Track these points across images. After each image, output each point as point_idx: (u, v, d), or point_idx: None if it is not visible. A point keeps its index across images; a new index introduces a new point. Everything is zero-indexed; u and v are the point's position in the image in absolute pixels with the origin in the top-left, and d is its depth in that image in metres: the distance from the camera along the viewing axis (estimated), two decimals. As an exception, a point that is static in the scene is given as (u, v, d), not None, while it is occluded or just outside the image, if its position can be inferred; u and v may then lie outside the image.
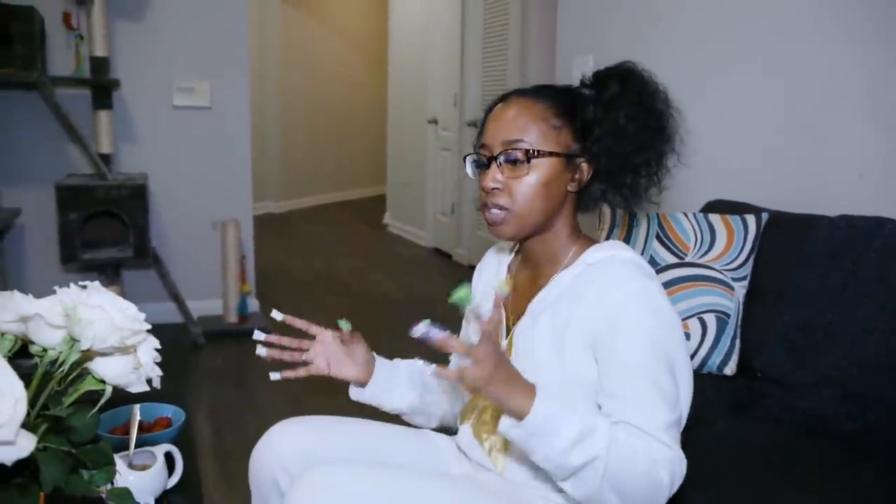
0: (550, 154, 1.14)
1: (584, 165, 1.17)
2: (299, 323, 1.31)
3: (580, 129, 1.16)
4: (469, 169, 1.23)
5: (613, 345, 1.08)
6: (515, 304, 1.25)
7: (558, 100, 1.17)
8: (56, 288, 0.80)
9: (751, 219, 1.95)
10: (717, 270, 1.89)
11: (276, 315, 1.28)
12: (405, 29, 6.49)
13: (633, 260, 1.15)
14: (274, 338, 1.30)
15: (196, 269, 3.78)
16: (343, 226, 7.19)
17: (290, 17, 7.53)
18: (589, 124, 1.16)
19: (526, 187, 1.14)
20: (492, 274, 1.36)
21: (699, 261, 1.92)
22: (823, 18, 2.06)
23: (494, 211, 1.16)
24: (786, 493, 1.32)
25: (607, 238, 2.03)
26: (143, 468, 1.29)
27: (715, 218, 1.98)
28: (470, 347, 0.99)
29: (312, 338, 1.34)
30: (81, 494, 0.80)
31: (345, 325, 1.30)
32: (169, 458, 1.35)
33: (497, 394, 1.01)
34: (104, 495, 0.84)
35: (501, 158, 1.15)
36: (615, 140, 1.14)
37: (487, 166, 1.17)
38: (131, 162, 3.58)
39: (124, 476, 1.22)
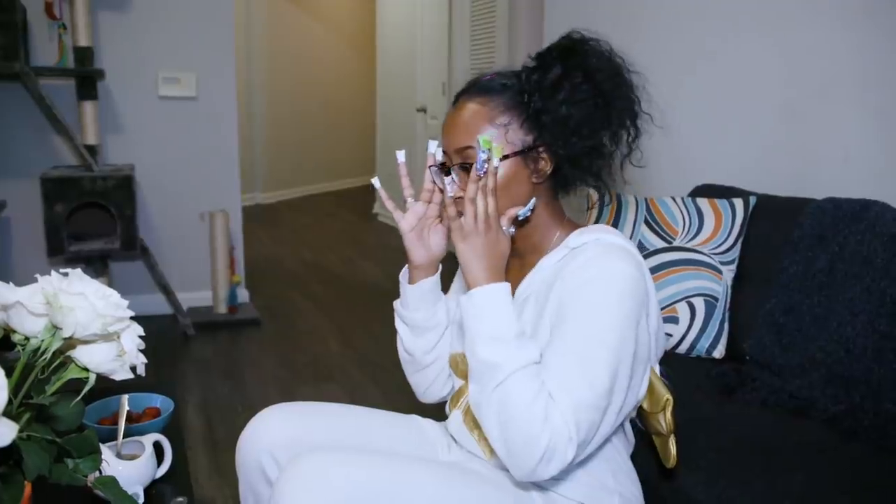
0: (501, 159, 1.11)
1: (545, 154, 1.14)
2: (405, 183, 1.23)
3: (529, 120, 1.12)
4: (436, 179, 1.20)
5: (565, 314, 1.05)
6: None
7: (505, 93, 1.14)
8: (37, 276, 0.79)
9: (738, 203, 1.95)
10: (705, 254, 1.90)
11: (376, 182, 1.24)
12: (393, 17, 6.46)
13: (618, 243, 1.11)
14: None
15: (185, 261, 3.77)
16: (332, 216, 7.16)
17: (276, 6, 7.47)
18: (535, 114, 1.11)
19: None
20: None
21: (687, 245, 1.92)
22: (812, 4, 2.06)
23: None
24: (774, 475, 1.33)
25: (597, 221, 2.03)
26: (132, 458, 1.28)
27: (703, 202, 1.98)
28: (470, 198, 1.06)
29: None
30: (67, 483, 0.80)
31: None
32: (158, 447, 1.34)
33: (466, 255, 1.07)
34: (91, 484, 0.84)
35: (455, 170, 1.14)
36: (562, 128, 1.10)
37: (447, 175, 1.16)
38: (117, 153, 3.55)
39: (112, 465, 1.22)
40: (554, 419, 0.97)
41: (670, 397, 1.17)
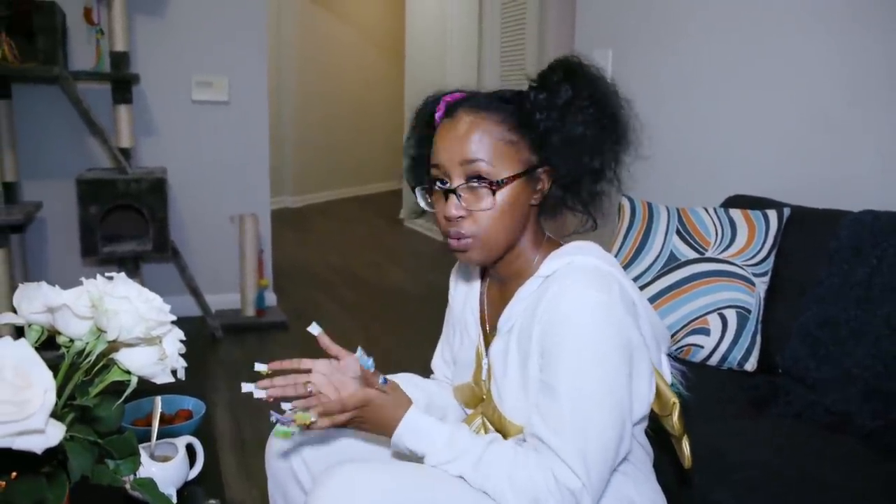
0: (514, 178, 1.08)
1: (544, 175, 1.12)
2: (328, 345, 1.26)
3: (536, 139, 1.10)
4: (421, 200, 1.16)
5: (549, 361, 1.04)
6: (492, 320, 1.23)
7: (510, 110, 1.10)
8: (83, 279, 0.80)
9: (772, 214, 1.93)
10: (737, 266, 1.88)
11: (315, 329, 1.22)
12: (422, 23, 6.48)
13: (588, 265, 1.08)
14: (267, 382, 1.17)
15: (214, 263, 3.81)
16: (359, 221, 7.20)
17: (307, 12, 7.54)
18: (544, 134, 1.09)
19: (492, 213, 1.09)
20: (463, 295, 1.32)
21: (720, 256, 1.90)
22: (845, 12, 2.03)
23: (463, 240, 1.10)
24: (807, 491, 1.31)
25: (627, 233, 2.02)
26: (165, 459, 1.29)
27: (736, 213, 1.96)
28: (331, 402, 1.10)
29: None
30: (107, 484, 0.81)
31: (365, 360, 1.24)
32: (190, 449, 1.36)
33: (368, 426, 1.12)
34: (128, 485, 0.85)
35: (463, 189, 1.09)
36: (574, 148, 1.08)
37: (445, 192, 1.11)
38: (150, 156, 3.60)
39: (147, 467, 1.23)
40: (555, 484, 0.99)
41: (676, 401, 1.16)
